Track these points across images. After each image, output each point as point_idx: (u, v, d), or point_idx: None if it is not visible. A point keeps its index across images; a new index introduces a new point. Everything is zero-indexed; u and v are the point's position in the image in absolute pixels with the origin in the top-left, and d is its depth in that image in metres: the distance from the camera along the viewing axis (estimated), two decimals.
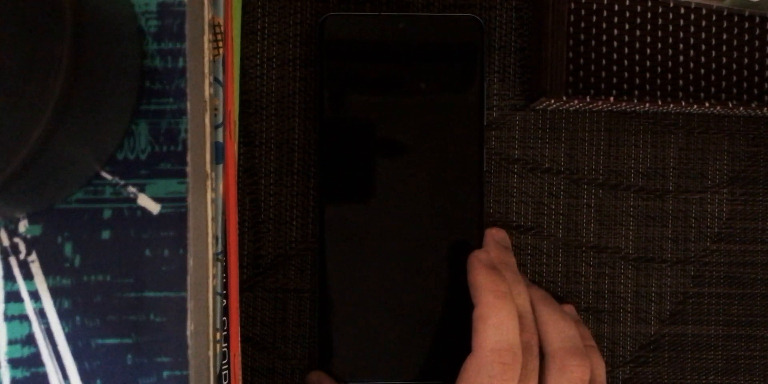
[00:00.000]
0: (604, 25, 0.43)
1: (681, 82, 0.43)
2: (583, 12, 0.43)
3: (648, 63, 0.43)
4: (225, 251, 0.33)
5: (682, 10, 0.43)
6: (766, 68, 0.43)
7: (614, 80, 0.43)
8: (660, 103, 0.40)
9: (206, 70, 0.30)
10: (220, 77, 0.33)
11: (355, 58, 0.41)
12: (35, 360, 0.31)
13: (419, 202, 0.41)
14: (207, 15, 0.30)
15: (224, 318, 0.32)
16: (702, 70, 0.43)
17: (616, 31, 0.43)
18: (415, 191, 0.41)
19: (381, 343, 0.41)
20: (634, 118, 0.44)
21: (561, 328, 0.38)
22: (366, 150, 0.41)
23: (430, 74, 0.41)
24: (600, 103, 0.40)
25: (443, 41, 0.41)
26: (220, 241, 0.32)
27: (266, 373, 0.43)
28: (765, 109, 0.41)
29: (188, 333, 0.30)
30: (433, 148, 0.41)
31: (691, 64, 0.43)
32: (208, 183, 0.30)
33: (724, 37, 0.43)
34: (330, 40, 0.41)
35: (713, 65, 0.43)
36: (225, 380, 0.33)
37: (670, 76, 0.43)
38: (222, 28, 0.33)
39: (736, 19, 0.43)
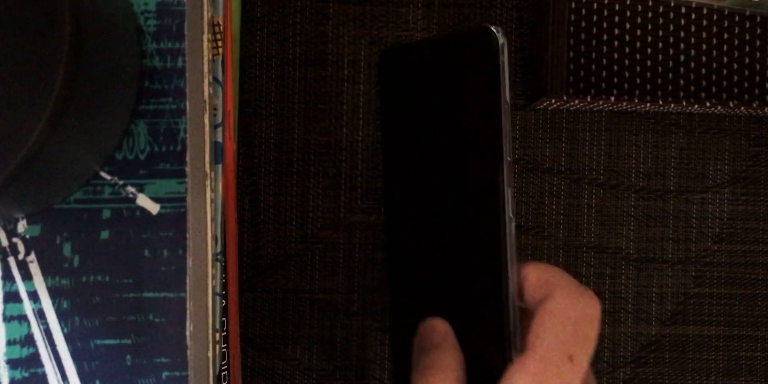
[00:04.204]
0: (605, 25, 0.43)
1: (682, 81, 0.43)
2: (583, 11, 0.43)
3: (649, 62, 0.43)
4: (224, 251, 0.33)
5: (683, 10, 0.43)
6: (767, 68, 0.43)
7: (615, 80, 0.43)
8: (661, 102, 0.40)
9: (205, 70, 0.30)
10: (220, 77, 0.33)
11: (402, 92, 0.41)
12: (34, 360, 0.31)
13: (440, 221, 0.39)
14: (206, 14, 0.30)
15: (224, 318, 0.32)
16: (703, 70, 0.43)
17: (616, 31, 0.43)
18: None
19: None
20: (635, 118, 0.44)
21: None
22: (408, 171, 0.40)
23: (451, 101, 0.37)
24: (601, 102, 0.40)
25: (459, 63, 0.36)
26: (219, 241, 0.32)
27: (266, 374, 0.43)
28: (766, 108, 0.41)
29: (187, 333, 0.30)
30: (453, 182, 0.37)
31: (692, 64, 0.43)
32: (208, 183, 0.30)
33: (725, 36, 0.43)
34: (383, 76, 0.41)
35: (714, 65, 0.43)
36: (224, 381, 0.33)
37: (671, 75, 0.43)
38: (221, 28, 0.32)
39: (737, 18, 0.43)
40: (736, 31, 0.43)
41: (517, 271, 0.33)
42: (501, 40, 0.34)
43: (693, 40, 0.43)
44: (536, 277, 0.33)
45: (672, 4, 0.43)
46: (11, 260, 0.31)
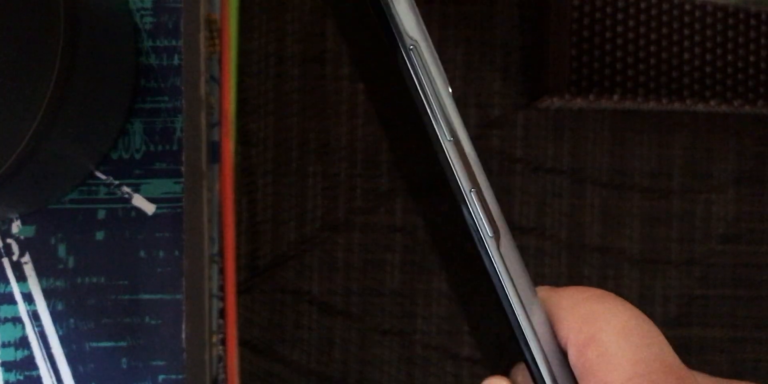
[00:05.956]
0: (608, 22, 0.43)
1: (686, 80, 0.43)
2: (587, 8, 0.42)
3: (653, 60, 0.43)
4: (221, 252, 0.33)
5: (687, 7, 0.43)
6: None
7: (618, 78, 0.42)
8: (665, 101, 0.40)
9: (202, 68, 0.30)
10: (217, 75, 0.32)
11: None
12: (29, 363, 0.31)
13: None
14: (203, 11, 0.30)
15: (220, 321, 0.32)
16: (708, 68, 0.43)
17: (620, 28, 0.43)
18: None
19: None
20: (638, 117, 0.44)
21: None
22: None
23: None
24: (604, 101, 0.40)
25: None
26: (216, 242, 0.32)
27: (264, 377, 0.42)
28: None
29: (184, 336, 0.30)
30: None
31: (697, 62, 0.43)
32: (204, 183, 0.30)
33: (730, 34, 0.43)
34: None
35: (719, 63, 0.43)
36: None
37: (675, 73, 0.43)
38: (218, 25, 0.32)
39: (741, 16, 0.43)
40: (741, 28, 0.43)
41: (543, 314, 0.22)
42: None
43: (697, 37, 0.43)
44: (575, 349, 0.21)
45: (676, 1, 0.43)
46: (5, 261, 0.31)
